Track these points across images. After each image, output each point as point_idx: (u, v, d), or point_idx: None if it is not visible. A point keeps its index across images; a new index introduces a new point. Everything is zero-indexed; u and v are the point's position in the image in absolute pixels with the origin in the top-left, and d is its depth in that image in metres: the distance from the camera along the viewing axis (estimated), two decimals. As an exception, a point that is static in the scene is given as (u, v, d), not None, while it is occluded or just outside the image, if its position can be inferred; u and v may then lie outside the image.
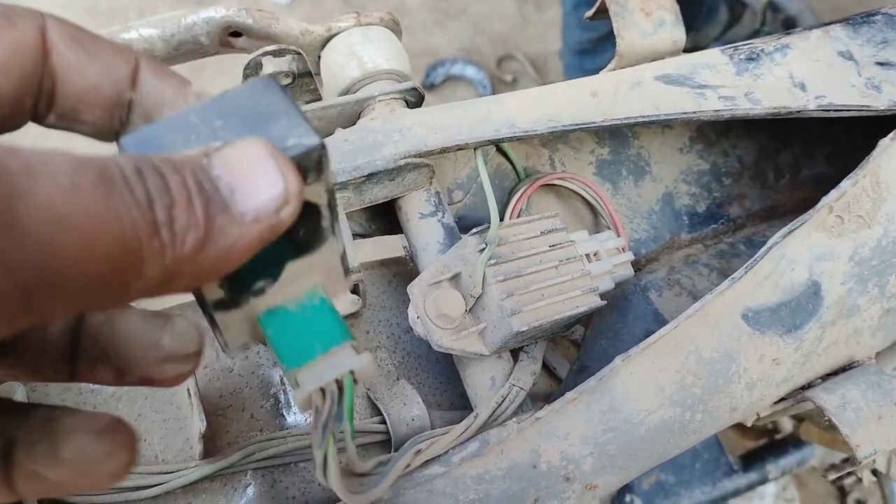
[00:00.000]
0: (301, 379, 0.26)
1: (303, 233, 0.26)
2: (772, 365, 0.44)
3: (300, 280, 0.26)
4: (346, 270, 0.29)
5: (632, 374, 0.42)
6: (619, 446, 0.41)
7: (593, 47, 1.53)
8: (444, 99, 1.93)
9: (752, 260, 0.43)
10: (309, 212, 0.25)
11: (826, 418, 0.46)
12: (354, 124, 0.49)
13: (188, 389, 0.40)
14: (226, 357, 0.46)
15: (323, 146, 0.23)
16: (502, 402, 0.41)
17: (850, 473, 1.06)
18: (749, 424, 0.47)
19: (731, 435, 1.07)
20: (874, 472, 0.87)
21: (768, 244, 0.44)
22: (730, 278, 0.43)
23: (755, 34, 1.82)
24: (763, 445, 1.04)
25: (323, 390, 0.26)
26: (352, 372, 0.26)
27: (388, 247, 0.49)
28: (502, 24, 2.04)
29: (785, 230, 0.44)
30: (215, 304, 0.25)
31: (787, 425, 1.09)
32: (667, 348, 0.42)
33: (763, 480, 1.02)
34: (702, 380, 0.42)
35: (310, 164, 0.23)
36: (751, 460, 1.02)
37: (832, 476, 0.44)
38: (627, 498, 0.99)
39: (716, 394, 0.43)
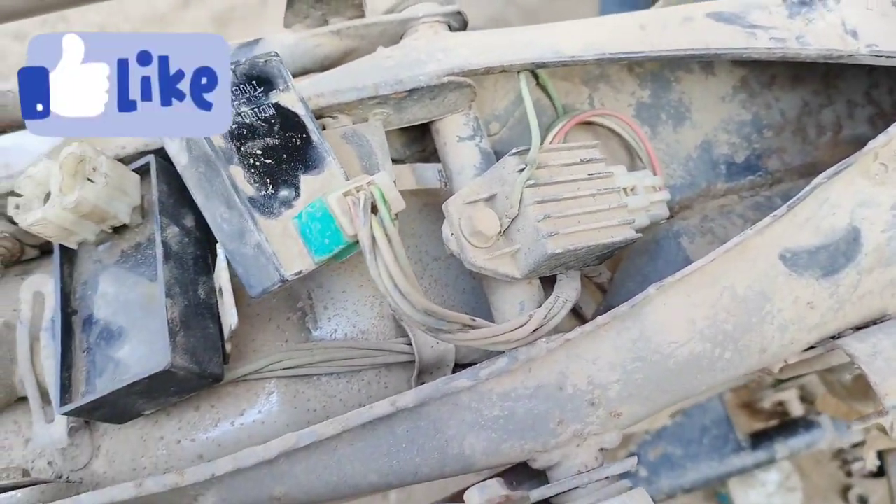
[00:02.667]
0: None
1: (298, 142, 0.37)
2: (806, 308, 0.43)
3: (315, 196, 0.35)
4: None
5: (665, 304, 0.41)
6: (647, 376, 0.41)
7: (634, 4, 1.51)
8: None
9: (794, 199, 0.42)
10: (290, 120, 0.36)
11: (853, 376, 0.46)
12: (397, 44, 0.49)
13: (220, 287, 0.39)
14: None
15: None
16: (551, 309, 0.41)
17: (857, 459, 1.05)
18: (776, 370, 0.46)
19: (741, 415, 1.07)
20: (879, 457, 0.86)
21: (812, 184, 0.43)
22: (771, 215, 0.42)
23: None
24: (773, 426, 1.03)
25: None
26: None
27: (422, 174, 0.48)
28: (534, -3, 2.02)
29: (830, 171, 0.43)
30: (251, 200, 0.35)
31: (797, 409, 1.08)
32: (702, 281, 0.41)
33: (771, 460, 1.02)
34: (735, 317, 0.42)
35: None
36: (759, 439, 1.02)
37: (859, 426, 0.43)
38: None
39: (747, 332, 0.42)
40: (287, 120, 0.37)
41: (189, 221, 0.42)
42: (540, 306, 0.43)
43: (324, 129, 0.44)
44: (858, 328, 0.46)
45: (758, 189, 0.55)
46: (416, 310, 0.36)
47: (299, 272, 0.36)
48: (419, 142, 0.51)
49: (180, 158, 0.37)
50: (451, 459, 0.39)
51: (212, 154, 0.35)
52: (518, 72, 0.46)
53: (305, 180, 0.37)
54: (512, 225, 0.42)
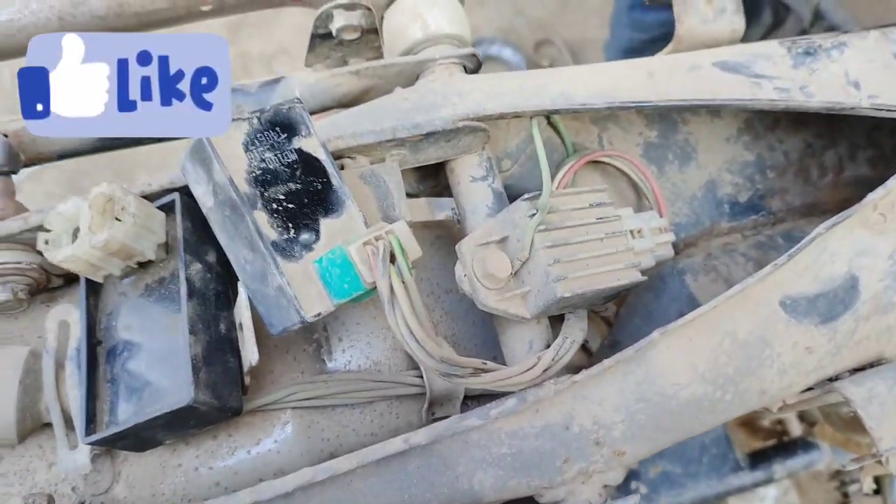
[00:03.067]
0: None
1: (319, 186, 0.38)
2: (804, 353, 0.45)
3: (336, 241, 0.37)
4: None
5: (668, 348, 0.43)
6: (650, 417, 0.42)
7: (642, 48, 1.52)
8: (478, 79, 1.92)
9: (795, 248, 0.44)
10: (312, 165, 0.38)
11: (850, 411, 0.47)
12: (412, 84, 0.50)
13: (241, 323, 0.41)
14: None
15: None
16: (559, 350, 0.42)
17: (854, 481, 1.07)
18: (775, 410, 0.47)
19: (740, 434, 1.08)
20: (876, 480, 0.88)
21: (812, 234, 0.44)
22: (772, 264, 0.44)
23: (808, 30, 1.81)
24: (771, 446, 1.05)
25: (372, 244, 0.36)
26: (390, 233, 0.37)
27: (435, 208, 0.50)
28: (543, 8, 2.04)
29: (829, 222, 0.44)
30: (274, 244, 0.36)
31: (796, 428, 1.09)
32: (704, 326, 0.43)
33: (769, 480, 1.03)
34: (735, 361, 0.43)
35: None
36: (758, 459, 1.03)
37: (852, 466, 0.45)
38: (633, 485, 1.01)
39: (748, 376, 0.44)
40: (308, 165, 0.38)
41: (211, 257, 0.43)
42: (548, 345, 0.45)
43: (342, 168, 0.45)
44: (855, 370, 0.48)
45: (760, 228, 0.56)
46: (432, 357, 0.37)
47: (318, 314, 0.38)
48: (433, 177, 0.52)
49: (206, 201, 0.39)
50: (460, 495, 0.40)
51: (237, 200, 0.36)
52: (530, 117, 0.47)
53: (325, 224, 0.38)
54: (523, 267, 0.43)
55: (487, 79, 0.48)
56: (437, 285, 0.51)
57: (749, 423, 1.11)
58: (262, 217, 0.37)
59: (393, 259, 0.36)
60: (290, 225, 0.38)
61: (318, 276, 0.38)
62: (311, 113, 0.51)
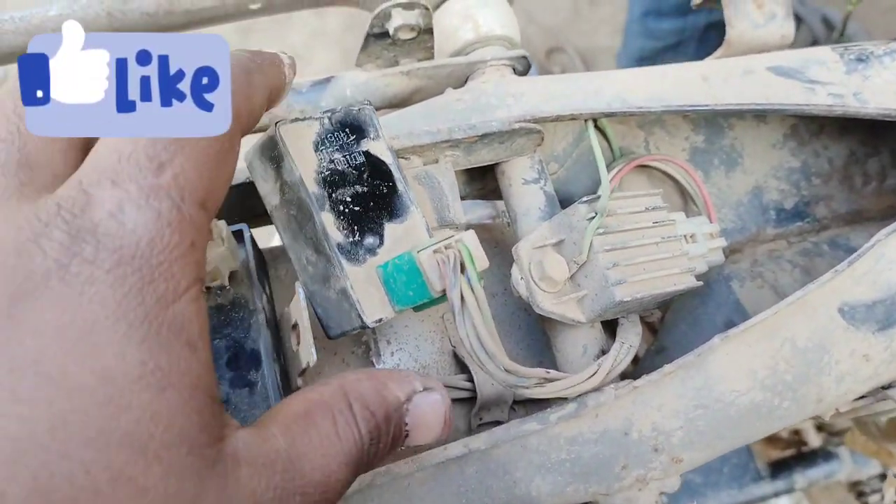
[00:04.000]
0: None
1: (385, 190, 0.38)
2: (861, 360, 0.44)
3: (399, 246, 0.37)
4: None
5: (728, 354, 0.42)
6: (708, 423, 0.42)
7: (655, 57, 1.52)
8: (490, 85, 1.92)
9: (854, 255, 0.44)
10: (378, 168, 0.38)
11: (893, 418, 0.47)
12: (462, 86, 0.50)
13: (296, 322, 0.40)
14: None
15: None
16: (616, 356, 0.42)
17: (875, 492, 1.07)
18: (827, 418, 0.47)
19: (759, 443, 1.08)
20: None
21: (871, 241, 0.44)
22: (832, 270, 0.43)
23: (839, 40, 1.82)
24: (792, 455, 1.04)
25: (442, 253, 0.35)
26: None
27: (484, 211, 0.50)
28: (554, 16, 2.04)
29: (888, 229, 0.44)
30: (339, 246, 0.36)
31: (814, 439, 1.09)
32: (764, 333, 0.43)
33: (789, 489, 1.03)
34: (794, 367, 0.43)
35: None
36: (779, 468, 1.03)
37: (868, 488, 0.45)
38: (653, 493, 1.00)
39: (806, 383, 0.43)
40: (376, 168, 0.38)
41: (267, 289, 0.43)
42: (602, 350, 0.45)
43: (397, 169, 0.45)
44: (907, 378, 0.47)
45: (805, 235, 0.56)
46: (500, 370, 0.37)
47: (380, 319, 0.37)
48: (479, 180, 0.52)
49: (271, 199, 0.38)
50: (517, 500, 0.40)
51: (306, 200, 0.36)
52: (585, 120, 0.47)
53: (390, 228, 0.38)
54: (580, 271, 0.43)
55: (540, 80, 0.48)
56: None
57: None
58: (328, 218, 0.36)
59: (462, 269, 0.35)
60: (356, 228, 0.37)
61: (382, 282, 0.37)
62: (361, 113, 0.50)
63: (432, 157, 0.45)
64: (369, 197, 0.38)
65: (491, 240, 0.54)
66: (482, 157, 0.47)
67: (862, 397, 0.47)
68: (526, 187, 0.48)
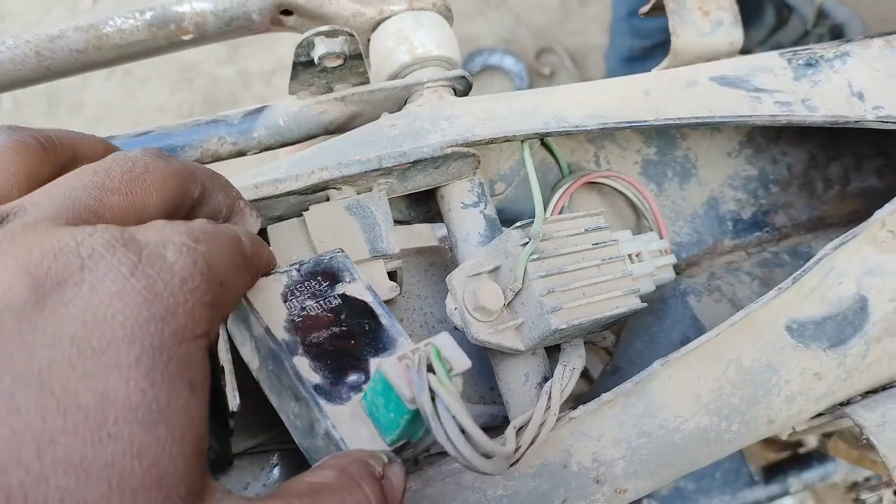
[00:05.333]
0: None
1: (367, 327, 0.37)
2: (813, 379, 0.43)
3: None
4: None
5: (670, 379, 0.41)
6: (652, 451, 0.41)
7: (643, 55, 1.51)
8: (480, 88, 1.92)
9: (800, 271, 0.42)
10: (358, 308, 0.37)
11: (863, 437, 0.45)
12: (401, 109, 0.49)
13: (222, 366, 0.39)
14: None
15: None
16: (562, 379, 0.40)
17: (871, 489, 1.05)
18: (784, 437, 0.46)
19: (755, 446, 1.06)
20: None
21: (818, 256, 0.43)
22: (776, 288, 0.42)
23: (802, 38, 1.79)
24: (786, 458, 1.02)
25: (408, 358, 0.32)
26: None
27: (427, 235, 0.49)
28: (543, 17, 2.02)
29: (835, 242, 0.43)
30: (317, 387, 0.34)
31: (811, 440, 1.07)
32: (707, 355, 0.41)
33: (784, 493, 1.01)
34: (741, 390, 0.42)
35: None
36: (773, 472, 1.01)
37: (865, 495, 0.43)
38: (644, 502, 0.99)
39: (754, 405, 0.42)
40: (354, 308, 0.37)
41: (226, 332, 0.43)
42: (544, 377, 0.44)
43: (327, 199, 0.44)
44: (868, 393, 0.46)
45: (765, 245, 0.55)
46: (486, 461, 0.33)
47: None
48: (424, 203, 0.51)
49: (253, 363, 0.37)
50: (454, 539, 0.39)
51: (275, 348, 0.34)
52: (522, 141, 0.46)
53: (376, 363, 0.36)
54: (516, 298, 0.42)
55: (478, 101, 0.47)
56: (430, 314, 0.50)
57: (763, 434, 1.08)
58: (302, 362, 0.34)
59: (430, 369, 0.32)
60: (336, 367, 0.35)
61: (368, 414, 0.34)
62: (297, 141, 0.50)
63: (365, 185, 0.45)
64: (349, 336, 0.36)
65: (443, 264, 0.53)
66: (418, 183, 0.46)
67: (820, 415, 0.46)
68: (465, 212, 0.46)
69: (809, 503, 1.29)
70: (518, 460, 0.37)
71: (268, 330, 0.35)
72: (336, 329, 0.36)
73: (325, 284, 0.37)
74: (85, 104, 1.96)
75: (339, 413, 0.34)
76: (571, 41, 1.98)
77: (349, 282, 0.38)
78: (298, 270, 0.37)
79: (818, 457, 1.01)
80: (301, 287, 0.37)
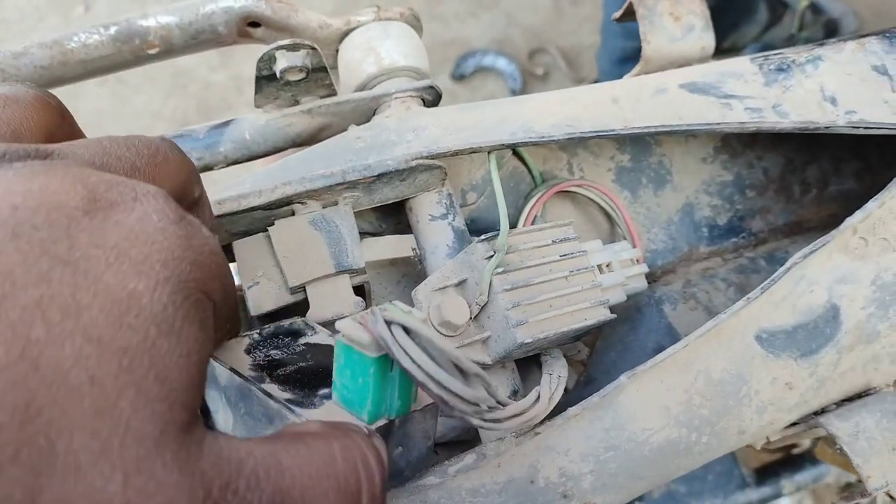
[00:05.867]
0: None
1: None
2: (784, 389, 0.42)
3: None
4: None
5: (638, 391, 0.41)
6: (621, 465, 0.40)
7: (635, 56, 1.50)
8: (473, 90, 1.91)
9: (769, 280, 0.42)
10: (325, 349, 0.36)
11: (837, 446, 0.45)
12: (370, 120, 0.49)
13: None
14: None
15: None
16: (550, 386, 0.40)
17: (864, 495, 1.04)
18: (758, 448, 0.45)
19: (747, 448, 1.05)
20: (889, 496, 0.85)
21: (787, 264, 0.42)
22: (745, 298, 0.41)
23: (796, 35, 1.78)
24: (778, 460, 1.02)
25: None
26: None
27: (397, 246, 0.48)
28: (536, 17, 2.02)
29: (806, 250, 0.42)
30: (289, 400, 0.32)
31: (804, 441, 1.06)
32: (675, 367, 0.41)
33: (777, 495, 1.00)
34: (710, 401, 0.41)
35: None
36: (765, 474, 1.00)
37: (845, 505, 0.43)
38: (636, 505, 0.98)
39: (724, 416, 0.41)
40: (320, 350, 0.36)
41: None
42: (514, 391, 0.43)
43: (293, 214, 0.44)
44: (842, 401, 0.45)
45: (741, 251, 0.54)
46: (474, 397, 0.30)
47: None
48: (394, 215, 0.50)
49: (226, 421, 0.35)
50: (421, 557, 0.38)
51: (242, 384, 0.33)
52: (489, 152, 0.45)
53: None
54: (482, 311, 0.41)
55: (445, 112, 0.46)
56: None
57: (756, 436, 1.08)
58: (272, 387, 0.33)
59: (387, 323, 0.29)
60: (306, 385, 0.34)
61: (341, 402, 0.32)
62: (264, 155, 0.49)
63: (331, 199, 0.44)
64: (318, 366, 0.35)
65: (414, 274, 0.52)
66: (385, 196, 0.46)
67: (794, 424, 0.45)
68: (433, 224, 0.46)
69: (807, 503, 1.28)
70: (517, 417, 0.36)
71: (233, 369, 0.34)
72: (303, 364, 0.35)
73: (287, 339, 0.37)
74: (78, 111, 1.95)
75: (315, 415, 0.31)
76: (564, 41, 1.98)
77: (311, 335, 0.38)
78: (260, 333, 0.37)
79: (811, 458, 1.01)
80: (264, 343, 0.36)
